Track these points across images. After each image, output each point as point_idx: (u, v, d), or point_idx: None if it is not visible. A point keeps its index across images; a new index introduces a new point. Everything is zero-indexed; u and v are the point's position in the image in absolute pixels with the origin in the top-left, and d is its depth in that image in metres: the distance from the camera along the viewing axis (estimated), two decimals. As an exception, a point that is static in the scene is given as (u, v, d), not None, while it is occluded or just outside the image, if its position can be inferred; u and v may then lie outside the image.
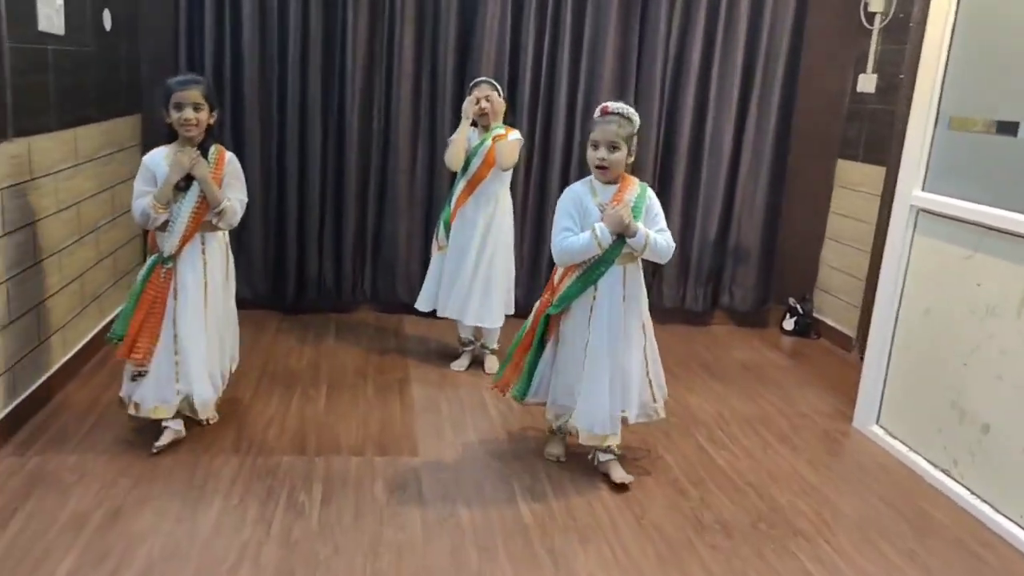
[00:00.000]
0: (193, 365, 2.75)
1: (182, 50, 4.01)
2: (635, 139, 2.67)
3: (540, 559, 2.33)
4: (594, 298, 2.67)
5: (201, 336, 2.76)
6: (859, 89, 4.49)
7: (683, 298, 4.65)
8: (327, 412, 3.20)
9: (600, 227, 2.58)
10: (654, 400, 2.82)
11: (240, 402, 3.20)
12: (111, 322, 3.68)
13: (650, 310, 2.85)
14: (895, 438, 3.23)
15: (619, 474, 2.78)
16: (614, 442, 2.74)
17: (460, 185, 3.57)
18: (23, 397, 2.87)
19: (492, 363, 3.73)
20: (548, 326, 2.76)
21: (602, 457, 2.83)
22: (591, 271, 2.65)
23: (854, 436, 3.37)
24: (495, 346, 3.76)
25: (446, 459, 2.90)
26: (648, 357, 2.80)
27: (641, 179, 2.75)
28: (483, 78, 3.61)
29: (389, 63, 4.18)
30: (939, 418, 3.00)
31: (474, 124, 3.54)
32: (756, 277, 4.68)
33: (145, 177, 2.71)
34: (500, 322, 3.64)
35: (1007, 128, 2.83)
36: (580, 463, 2.90)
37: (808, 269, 4.81)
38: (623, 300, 2.68)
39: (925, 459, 3.05)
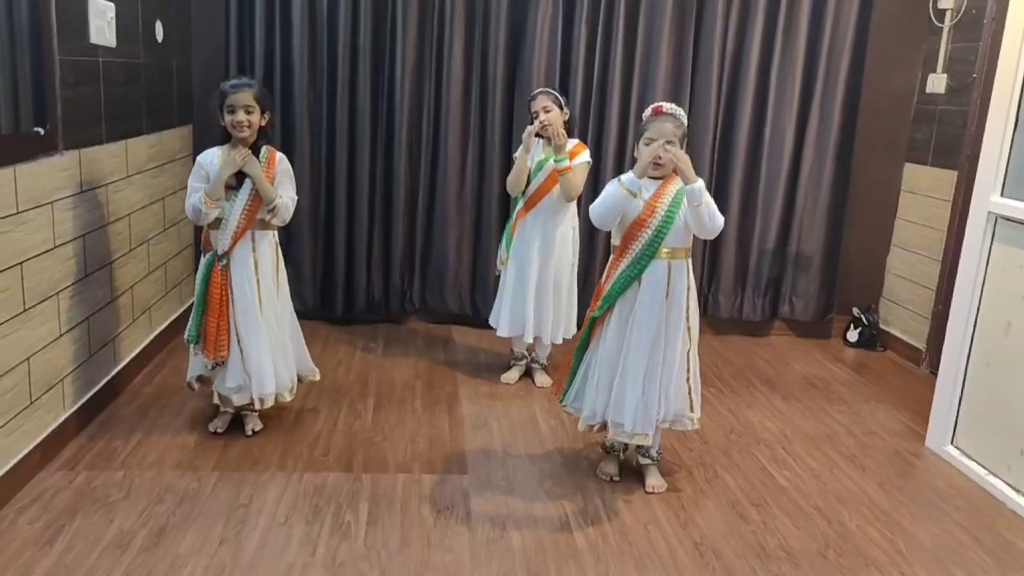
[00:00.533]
0: (253, 359, 2.82)
1: (233, 60, 4.01)
2: (686, 139, 2.62)
3: (594, 588, 2.22)
4: (637, 294, 2.60)
5: (260, 330, 2.83)
6: (928, 89, 4.27)
7: (740, 307, 4.48)
8: (374, 428, 3.14)
9: (626, 176, 2.55)
10: (691, 410, 2.70)
11: (287, 416, 3.15)
12: (161, 334, 3.71)
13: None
14: (972, 460, 3.03)
15: (652, 481, 2.77)
16: (644, 442, 2.65)
17: (521, 200, 3.45)
18: (71, 412, 2.86)
19: (543, 378, 3.63)
20: (592, 329, 2.70)
21: (642, 460, 2.79)
22: (634, 263, 2.59)
23: (927, 457, 3.18)
24: (546, 362, 3.66)
25: (496, 478, 2.81)
26: (691, 363, 2.69)
27: None
28: (541, 89, 3.48)
29: (438, 69, 4.12)
30: (1021, 438, 2.80)
31: (539, 135, 3.37)
32: (818, 285, 4.49)
33: (199, 175, 2.77)
34: (556, 339, 3.53)
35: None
36: (636, 482, 2.78)
37: (873, 278, 4.60)
38: (666, 298, 2.59)
39: (1006, 483, 2.85)
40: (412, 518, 2.51)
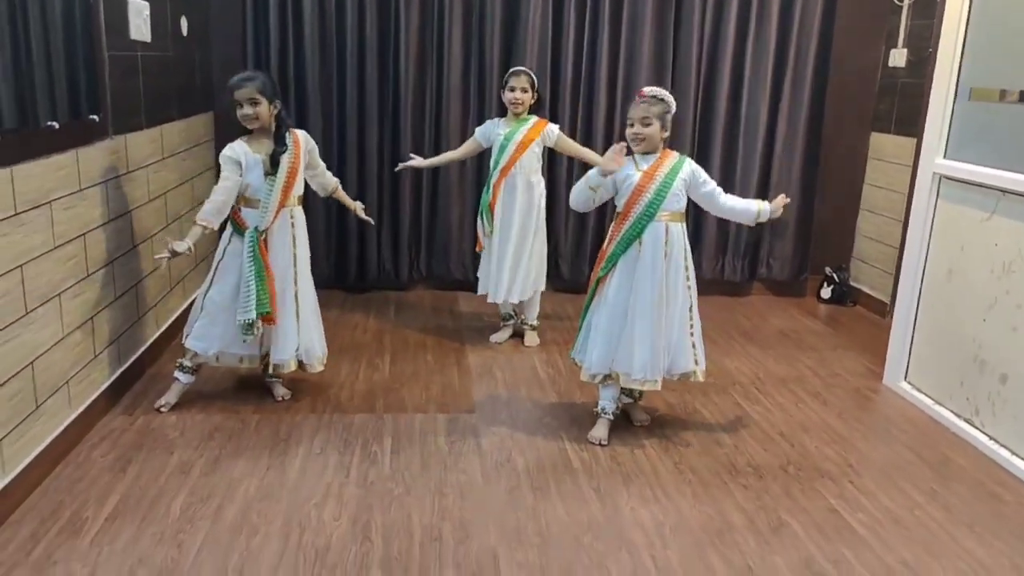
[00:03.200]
0: (276, 329, 3.07)
1: (249, 53, 4.36)
2: (669, 116, 2.91)
3: (587, 497, 2.61)
4: (638, 253, 2.89)
5: (288, 303, 3.08)
6: (890, 64, 4.64)
7: (722, 269, 4.87)
8: (392, 377, 3.52)
9: (592, 172, 2.92)
10: (696, 363, 3.02)
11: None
12: (193, 302, 4.08)
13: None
14: (922, 392, 3.42)
15: (639, 416, 3.16)
16: (654, 388, 2.95)
17: (494, 175, 3.76)
18: (126, 366, 3.24)
19: (531, 338, 3.97)
20: (597, 289, 3.01)
21: (625, 400, 3.12)
22: (635, 225, 2.88)
23: (884, 393, 3.57)
24: (534, 322, 4.00)
25: (501, 416, 3.19)
26: (693, 318, 3.01)
27: (678, 151, 3.01)
28: (519, 68, 3.78)
29: (439, 56, 4.47)
30: (961, 371, 3.19)
31: (503, 115, 3.78)
32: (793, 248, 4.87)
33: (230, 166, 2.95)
34: (526, 296, 3.85)
35: (1029, 96, 3.00)
36: (626, 421, 3.16)
37: (844, 239, 4.98)
38: (664, 257, 2.88)
39: (949, 410, 3.25)
40: (430, 448, 2.90)
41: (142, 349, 3.43)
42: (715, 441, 3.04)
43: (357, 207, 3.43)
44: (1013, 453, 2.91)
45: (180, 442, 2.86)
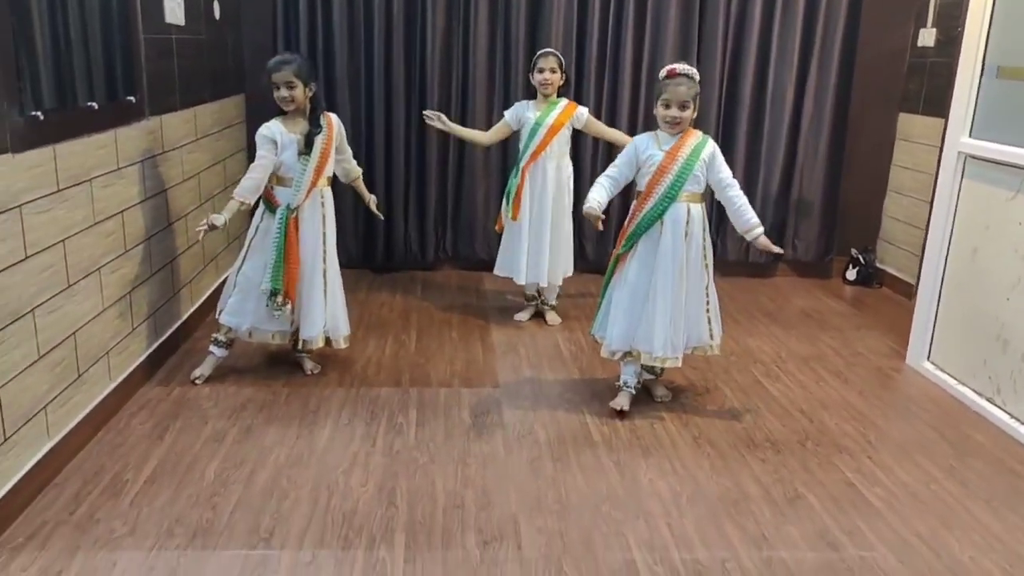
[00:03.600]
0: (305, 305, 3.17)
1: (280, 35, 4.44)
2: (699, 96, 2.93)
3: (607, 468, 2.68)
4: (660, 233, 2.92)
5: (316, 280, 3.17)
6: (919, 43, 4.60)
7: (747, 251, 4.88)
8: (417, 353, 3.60)
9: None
10: (711, 337, 3.07)
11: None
12: (225, 280, 4.19)
13: (715, 262, 3.11)
14: (944, 372, 3.43)
15: (659, 392, 3.20)
16: (675, 365, 2.99)
17: (525, 157, 3.78)
18: (162, 339, 3.36)
19: (553, 317, 4.04)
20: (616, 266, 3.05)
21: (647, 376, 3.17)
22: (658, 204, 2.90)
23: (906, 372, 3.58)
24: (555, 302, 4.06)
25: (524, 391, 3.26)
26: (709, 295, 3.05)
27: (704, 132, 3.01)
28: (547, 50, 3.79)
29: (465, 36, 4.52)
30: (984, 350, 3.20)
31: (531, 97, 3.81)
32: (819, 229, 4.87)
33: (267, 145, 3.04)
34: (558, 280, 3.93)
35: (1057, 74, 2.98)
36: (645, 395, 3.22)
37: (871, 221, 4.97)
38: (685, 237, 2.92)
39: (971, 389, 3.26)
40: (454, 420, 2.98)
41: (177, 324, 3.54)
42: (734, 416, 3.08)
43: (371, 200, 3.51)
44: (1033, 431, 2.92)
45: (214, 412, 2.97)
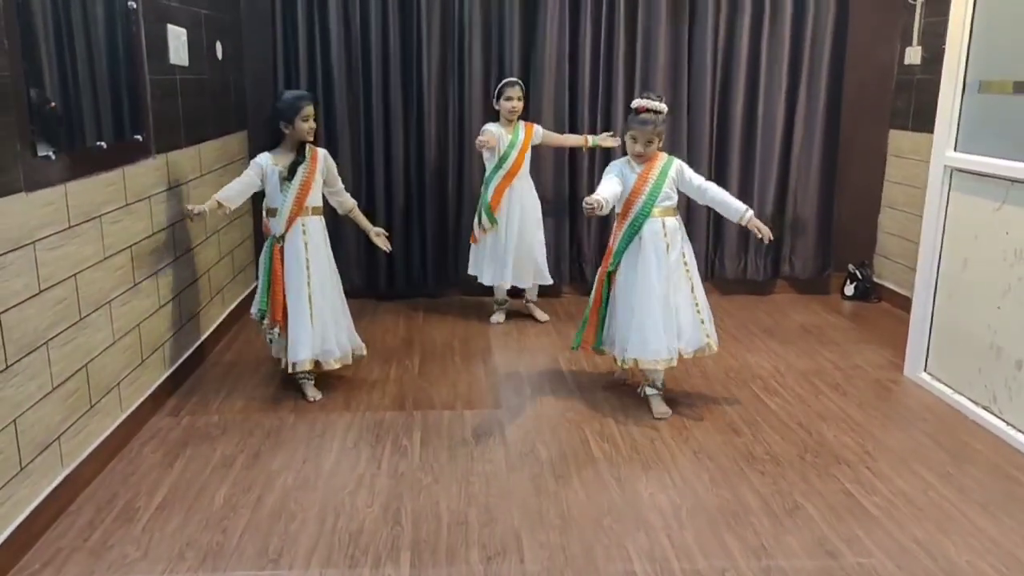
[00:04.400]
0: (292, 330, 3.29)
1: (280, 73, 4.56)
2: (664, 124, 3.19)
3: (608, 483, 2.73)
4: (639, 247, 3.17)
5: (303, 305, 3.28)
6: (906, 61, 4.70)
7: (745, 269, 4.95)
8: (421, 377, 3.67)
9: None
10: (707, 336, 3.21)
11: (346, 371, 3.69)
12: (232, 312, 4.28)
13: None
14: (941, 382, 3.47)
15: (659, 408, 3.27)
16: (671, 365, 3.15)
17: (500, 175, 4.18)
18: (171, 370, 3.43)
19: (541, 313, 4.50)
20: (610, 283, 3.26)
21: (648, 391, 3.30)
22: (633, 223, 3.18)
23: (904, 384, 3.63)
24: (536, 299, 4.53)
25: (526, 411, 3.32)
26: (697, 297, 3.22)
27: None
28: (514, 79, 4.23)
29: (460, 68, 4.64)
30: (979, 359, 3.24)
31: (496, 120, 4.22)
32: (815, 246, 4.93)
33: (254, 168, 3.30)
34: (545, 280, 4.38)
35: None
36: (646, 412, 3.27)
37: (867, 236, 5.03)
38: (667, 249, 3.15)
39: (967, 398, 3.30)
40: (457, 441, 3.04)
41: (186, 355, 3.62)
42: (734, 431, 3.13)
43: (373, 232, 3.59)
44: (1029, 437, 2.96)
45: (222, 439, 3.03)
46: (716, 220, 4.90)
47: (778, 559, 2.31)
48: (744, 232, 4.87)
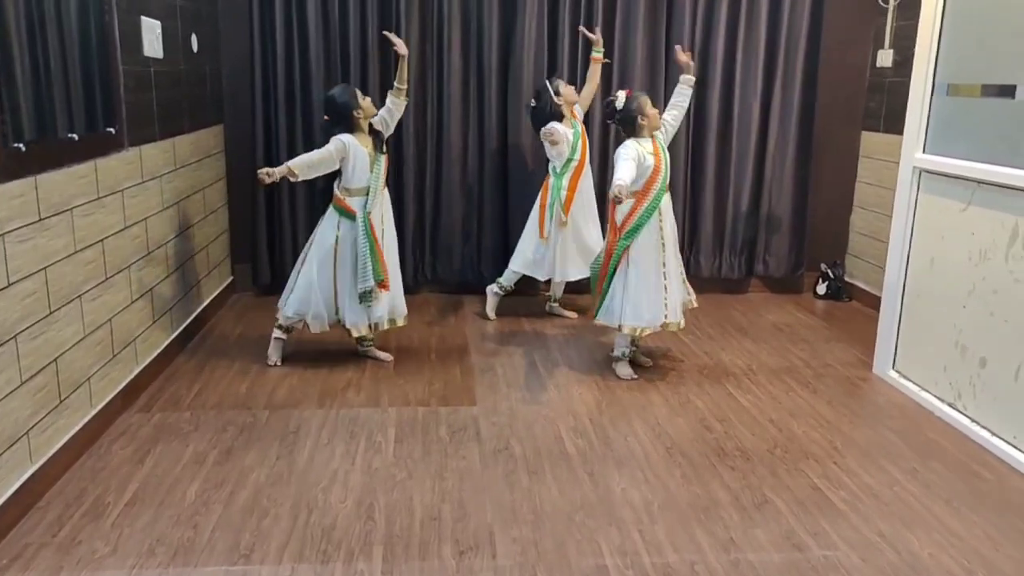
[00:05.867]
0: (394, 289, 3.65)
1: (257, 66, 4.53)
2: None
3: (581, 479, 2.75)
4: (661, 221, 3.45)
5: (396, 269, 3.71)
6: (878, 64, 4.76)
7: (720, 267, 4.99)
8: (397, 374, 3.67)
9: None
10: (689, 293, 3.65)
11: (321, 368, 3.68)
12: (207, 307, 4.25)
13: (688, 278, 3.69)
14: (909, 380, 3.53)
15: (644, 359, 3.76)
16: (678, 327, 3.54)
17: (571, 169, 4.14)
18: (143, 366, 3.41)
19: (569, 312, 4.55)
20: (620, 257, 3.46)
21: (642, 359, 3.76)
22: (655, 199, 3.42)
23: (873, 381, 3.68)
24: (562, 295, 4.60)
25: (500, 408, 3.33)
26: (680, 261, 3.65)
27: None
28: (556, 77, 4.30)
29: (439, 66, 4.63)
30: (945, 356, 3.30)
31: (561, 117, 4.12)
32: (789, 245, 4.99)
33: (337, 146, 3.45)
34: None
35: (1006, 91, 3.11)
36: (619, 411, 3.30)
37: (839, 236, 5.10)
38: (671, 220, 3.55)
39: (933, 395, 3.36)
40: (431, 437, 3.04)
41: (158, 351, 3.59)
42: (706, 427, 3.16)
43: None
44: (993, 434, 3.02)
45: (195, 436, 3.02)
46: (692, 220, 4.94)
47: (746, 552, 2.34)
48: (720, 231, 4.95)
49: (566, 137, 4.08)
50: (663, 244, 3.45)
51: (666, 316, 3.46)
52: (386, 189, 3.66)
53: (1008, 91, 3.07)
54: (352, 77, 4.56)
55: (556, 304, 4.56)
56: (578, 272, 4.26)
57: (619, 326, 3.49)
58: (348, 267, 3.52)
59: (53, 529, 2.39)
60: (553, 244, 4.21)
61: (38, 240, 2.55)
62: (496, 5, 4.57)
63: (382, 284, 3.51)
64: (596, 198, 4.34)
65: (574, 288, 4.50)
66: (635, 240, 3.42)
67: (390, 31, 4.54)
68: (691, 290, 3.65)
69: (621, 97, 3.47)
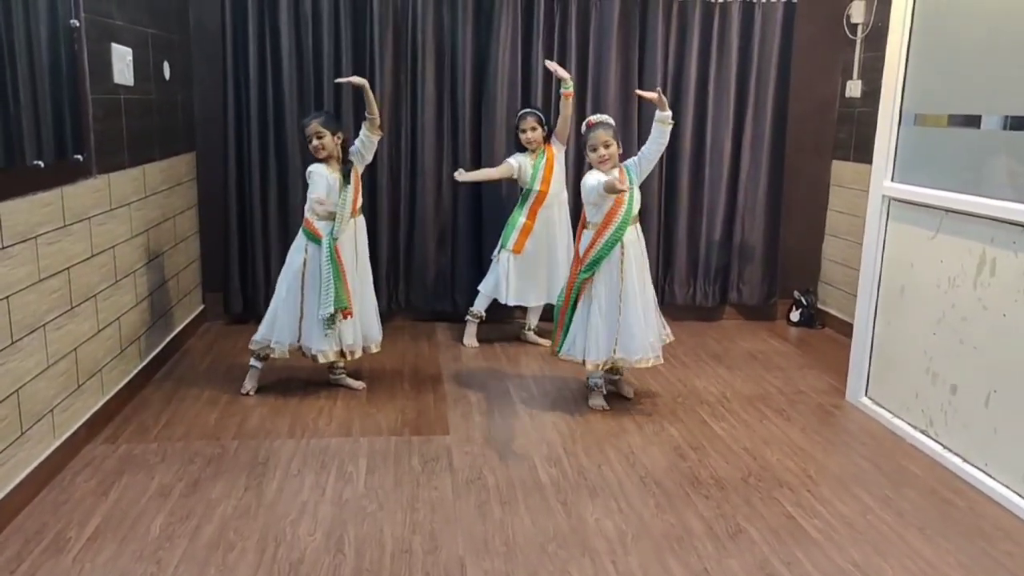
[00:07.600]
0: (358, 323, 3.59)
1: (230, 94, 4.51)
2: (618, 135, 3.44)
3: (554, 510, 2.72)
4: (622, 255, 3.36)
5: (368, 292, 3.69)
6: (847, 94, 4.84)
7: (694, 295, 5.01)
8: (369, 403, 3.63)
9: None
10: (663, 326, 3.57)
11: (292, 397, 3.63)
12: (177, 336, 4.19)
13: (662, 307, 3.66)
14: (881, 407, 3.55)
15: (627, 390, 3.72)
16: (657, 363, 3.45)
17: (531, 199, 4.24)
18: (109, 396, 3.34)
19: (540, 339, 4.52)
20: (580, 290, 3.42)
21: (610, 377, 3.68)
22: (617, 231, 3.34)
23: (845, 408, 3.70)
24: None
25: (474, 437, 3.30)
26: (653, 299, 3.52)
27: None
28: (524, 110, 4.31)
29: (413, 95, 4.64)
30: (916, 384, 3.32)
31: (523, 150, 4.26)
32: (762, 273, 5.02)
33: (316, 180, 3.46)
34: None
35: (972, 121, 3.17)
36: (592, 440, 3.28)
37: (811, 264, 5.14)
38: (637, 254, 3.42)
39: (905, 422, 3.37)
40: (403, 467, 3.00)
41: (125, 380, 3.52)
42: (680, 456, 3.15)
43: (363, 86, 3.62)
44: (964, 460, 3.03)
45: (160, 467, 2.95)
46: (666, 248, 4.96)
47: (721, 584, 2.32)
48: (694, 259, 4.97)
49: (519, 169, 4.24)
50: (622, 279, 3.37)
51: (614, 351, 3.39)
52: (361, 216, 3.64)
53: (974, 121, 3.13)
54: (325, 106, 4.56)
55: (531, 332, 4.55)
56: (535, 299, 4.35)
57: (583, 361, 3.45)
58: (314, 292, 3.47)
59: (11, 565, 2.32)
60: (502, 266, 4.30)
61: (0, 269, 2.50)
62: (470, 36, 4.60)
63: (346, 312, 3.45)
64: (571, 231, 4.32)
65: (549, 315, 4.48)
66: (596, 273, 3.39)
67: (364, 62, 4.58)
68: (666, 324, 3.60)
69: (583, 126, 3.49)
